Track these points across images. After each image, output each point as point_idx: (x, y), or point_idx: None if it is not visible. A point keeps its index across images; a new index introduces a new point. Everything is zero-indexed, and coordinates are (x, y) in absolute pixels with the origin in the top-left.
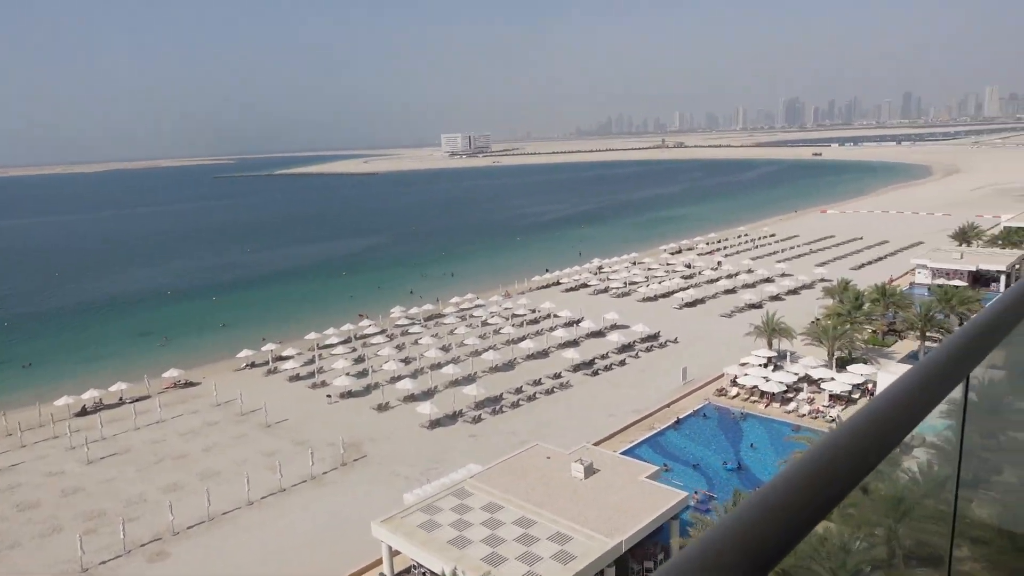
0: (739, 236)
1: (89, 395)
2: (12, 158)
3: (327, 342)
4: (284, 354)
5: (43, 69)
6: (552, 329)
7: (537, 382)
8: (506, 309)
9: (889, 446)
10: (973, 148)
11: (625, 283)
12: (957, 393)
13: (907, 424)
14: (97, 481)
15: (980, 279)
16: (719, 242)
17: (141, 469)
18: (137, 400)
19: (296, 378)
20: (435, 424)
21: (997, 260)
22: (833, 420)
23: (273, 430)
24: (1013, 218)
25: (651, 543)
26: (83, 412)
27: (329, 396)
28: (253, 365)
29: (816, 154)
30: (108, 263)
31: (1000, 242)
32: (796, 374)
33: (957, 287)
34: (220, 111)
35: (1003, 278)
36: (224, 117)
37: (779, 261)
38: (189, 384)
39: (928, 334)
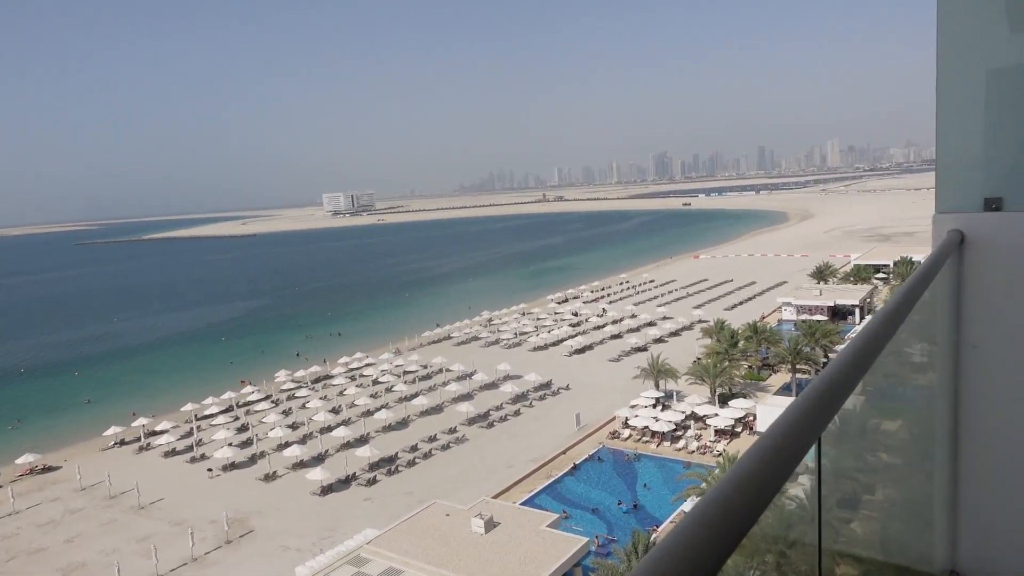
0: (621, 283)
1: None
2: None
3: (206, 412)
4: (158, 428)
5: None
6: (445, 384)
7: (432, 438)
8: (397, 366)
9: (755, 513)
10: (822, 195)
11: (515, 333)
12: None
13: (773, 484)
14: None
15: (838, 313)
16: (603, 289)
17: None
18: None
19: (172, 453)
20: (327, 490)
21: (851, 295)
22: (720, 454)
23: (147, 512)
24: (860, 256)
25: None
26: None
27: (210, 470)
28: (123, 443)
29: (686, 204)
30: None
31: (852, 278)
32: (683, 412)
33: (819, 321)
34: (80, 173)
35: (857, 311)
36: (85, 180)
37: (659, 305)
38: (48, 469)
39: (798, 366)
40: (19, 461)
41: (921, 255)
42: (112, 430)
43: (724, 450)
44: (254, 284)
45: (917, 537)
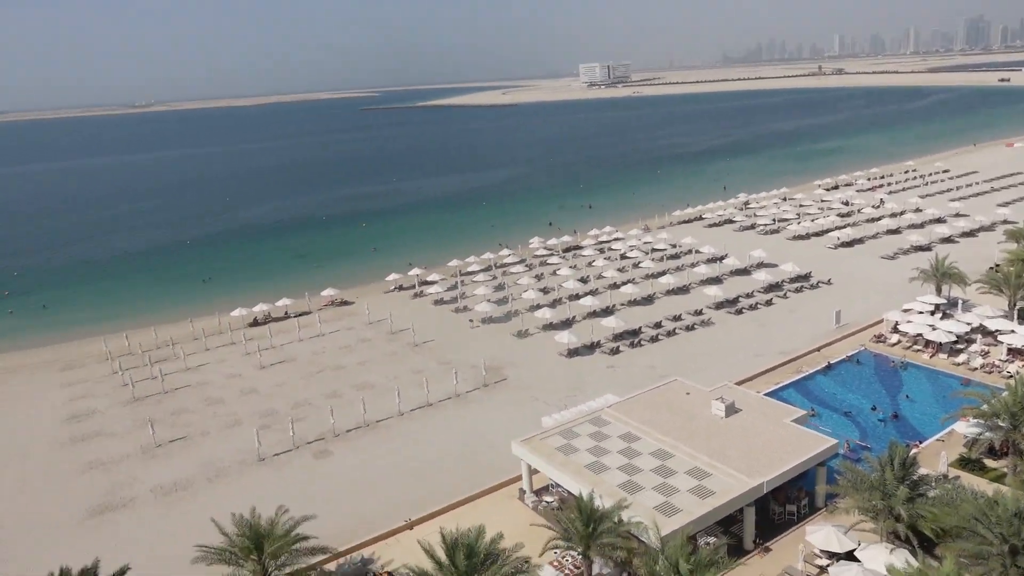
0: (906, 171)
1: (259, 308)
2: (176, 93)
3: (468, 269)
4: (429, 279)
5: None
6: (694, 265)
7: (677, 318)
8: (645, 243)
9: None
10: None
11: (774, 219)
12: None
13: None
14: (269, 384)
15: None
16: (882, 178)
17: (305, 376)
18: (300, 315)
19: (440, 302)
20: (573, 353)
21: None
22: (1011, 376)
23: (420, 349)
24: None
25: (795, 488)
26: (254, 323)
27: (471, 321)
28: (401, 288)
29: (1003, 80)
30: (268, 190)
31: None
32: (969, 324)
33: None
34: (365, 45)
35: None
36: (369, 50)
37: (953, 200)
38: (344, 303)
39: None
40: (324, 293)
41: None
42: (392, 276)
43: (1018, 371)
44: (513, 152)
45: None
